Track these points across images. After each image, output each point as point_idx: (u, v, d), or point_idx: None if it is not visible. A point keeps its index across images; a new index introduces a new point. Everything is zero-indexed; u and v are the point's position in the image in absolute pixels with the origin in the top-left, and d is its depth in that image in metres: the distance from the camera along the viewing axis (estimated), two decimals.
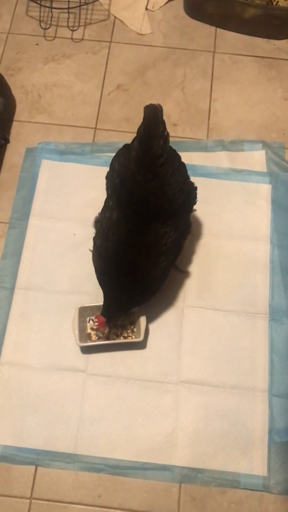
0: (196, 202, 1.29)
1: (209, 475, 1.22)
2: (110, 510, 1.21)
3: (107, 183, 1.22)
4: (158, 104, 1.11)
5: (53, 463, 1.24)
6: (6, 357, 1.33)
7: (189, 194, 1.25)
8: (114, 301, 1.22)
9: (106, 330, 1.31)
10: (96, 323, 1.28)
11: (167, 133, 1.13)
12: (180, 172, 1.18)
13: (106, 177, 1.22)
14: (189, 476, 1.22)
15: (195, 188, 1.28)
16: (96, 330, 1.33)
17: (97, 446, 1.25)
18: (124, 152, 1.19)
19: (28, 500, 1.22)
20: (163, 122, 1.11)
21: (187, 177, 1.23)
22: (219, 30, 1.77)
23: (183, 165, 1.20)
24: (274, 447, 1.24)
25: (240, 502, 1.21)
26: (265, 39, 1.75)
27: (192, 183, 1.27)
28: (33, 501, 1.22)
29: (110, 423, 1.27)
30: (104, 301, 1.23)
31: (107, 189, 1.22)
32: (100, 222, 1.19)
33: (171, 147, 1.16)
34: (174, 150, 1.18)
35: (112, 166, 1.20)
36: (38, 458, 1.24)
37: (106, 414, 1.28)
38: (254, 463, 1.23)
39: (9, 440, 1.26)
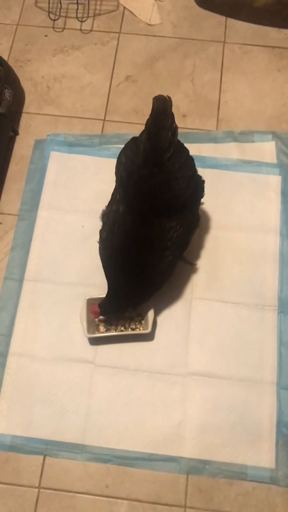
0: (203, 195, 1.28)
1: (217, 467, 1.22)
2: (117, 501, 1.21)
3: (115, 176, 1.22)
4: (167, 95, 1.10)
5: (61, 453, 1.25)
6: (15, 348, 1.34)
7: (197, 188, 1.24)
8: (116, 296, 1.22)
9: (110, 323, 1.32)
10: (90, 309, 1.28)
11: (176, 126, 1.12)
12: (188, 167, 1.17)
13: (115, 170, 1.22)
14: (196, 467, 1.23)
15: (203, 182, 1.27)
16: (104, 321, 1.33)
17: (105, 437, 1.26)
18: (131, 145, 1.18)
19: (37, 489, 1.23)
20: (172, 115, 1.10)
21: (195, 171, 1.22)
22: (229, 20, 1.75)
23: (190, 159, 1.19)
24: (282, 440, 1.24)
25: (247, 494, 1.21)
26: (276, 28, 1.72)
27: (200, 177, 1.26)
28: (41, 490, 1.23)
29: (117, 414, 1.27)
30: (106, 294, 1.23)
31: (116, 182, 1.22)
32: (106, 215, 1.19)
33: (179, 141, 1.15)
34: (182, 144, 1.17)
35: (119, 159, 1.20)
36: (47, 448, 1.25)
37: (114, 405, 1.28)
38: (262, 455, 1.23)
39: (18, 430, 1.27)
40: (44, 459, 1.25)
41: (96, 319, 1.32)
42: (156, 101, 1.08)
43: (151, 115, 1.09)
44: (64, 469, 1.24)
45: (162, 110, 1.08)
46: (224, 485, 1.22)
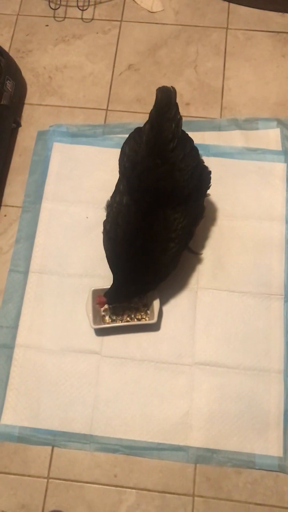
0: (209, 186, 1.27)
1: (224, 456, 1.22)
2: (126, 490, 1.22)
3: (119, 167, 1.21)
4: (171, 86, 1.09)
5: (69, 444, 1.25)
6: (21, 340, 1.35)
7: (202, 179, 1.23)
8: (122, 286, 1.22)
9: (116, 313, 1.32)
10: (96, 300, 1.28)
11: (180, 116, 1.10)
12: (192, 157, 1.15)
13: (119, 161, 1.21)
14: (204, 456, 1.23)
15: (209, 173, 1.25)
16: (110, 311, 1.33)
17: (113, 427, 1.26)
18: (135, 136, 1.17)
19: (45, 480, 1.24)
20: (176, 105, 1.09)
21: (199, 162, 1.21)
22: (232, 5, 1.72)
23: (195, 149, 1.18)
24: None
25: (256, 483, 1.21)
26: (280, 13, 1.70)
27: (206, 167, 1.25)
28: (50, 480, 1.23)
29: (125, 405, 1.27)
30: (112, 284, 1.23)
31: (119, 172, 1.21)
32: (110, 206, 1.18)
33: (183, 131, 1.14)
34: (186, 134, 1.16)
35: (123, 150, 1.19)
36: (55, 439, 1.26)
37: (121, 395, 1.28)
38: (270, 443, 1.23)
39: (26, 422, 1.28)
40: (52, 450, 1.26)
41: (102, 309, 1.32)
42: (160, 92, 1.07)
43: (154, 106, 1.08)
44: (72, 459, 1.25)
45: (166, 101, 1.07)
46: (232, 474, 1.22)
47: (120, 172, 1.20)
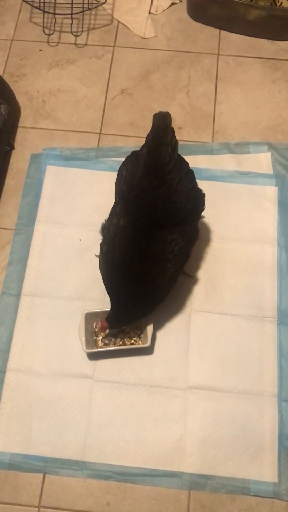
0: (204, 209, 1.28)
1: (219, 482, 1.21)
2: None
3: (115, 189, 1.22)
4: (167, 111, 1.11)
5: (61, 471, 1.23)
6: (13, 364, 1.33)
7: (197, 201, 1.24)
8: (120, 309, 1.21)
9: (108, 337, 1.31)
10: (98, 326, 1.27)
11: (176, 140, 1.12)
12: (188, 179, 1.17)
13: (115, 183, 1.22)
14: (198, 483, 1.21)
15: (203, 195, 1.27)
16: (103, 336, 1.32)
17: (105, 453, 1.24)
18: (132, 159, 1.18)
19: (36, 509, 1.21)
20: (172, 130, 1.10)
21: (195, 184, 1.22)
22: (223, 32, 1.76)
23: (191, 172, 1.19)
24: (284, 453, 1.23)
25: (251, 509, 1.19)
26: (270, 40, 1.74)
27: (200, 190, 1.26)
28: (41, 509, 1.21)
29: (118, 430, 1.26)
30: (111, 308, 1.23)
31: (115, 195, 1.22)
32: (107, 228, 1.19)
33: (179, 155, 1.15)
34: (182, 158, 1.18)
35: (120, 172, 1.20)
36: (46, 466, 1.23)
37: (113, 420, 1.27)
38: (264, 469, 1.22)
39: (17, 448, 1.25)
40: (44, 477, 1.23)
41: (99, 334, 1.32)
42: (156, 118, 1.09)
43: (151, 132, 1.09)
44: (64, 486, 1.22)
45: (162, 127, 1.08)
46: (227, 501, 1.20)
47: (117, 194, 1.21)
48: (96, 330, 1.32)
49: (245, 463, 1.22)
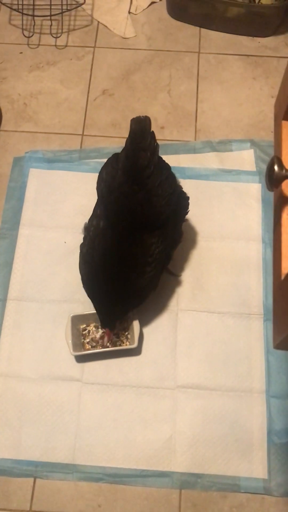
0: (187, 212, 1.29)
1: (209, 480, 1.21)
2: None
3: (96, 192, 1.22)
4: (145, 116, 1.11)
5: (52, 475, 1.23)
6: (1, 369, 1.32)
7: (179, 204, 1.24)
8: (105, 310, 1.21)
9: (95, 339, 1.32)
10: (105, 339, 1.28)
11: (157, 144, 1.12)
12: (169, 184, 1.16)
13: (96, 186, 1.22)
14: (189, 481, 1.21)
15: (187, 199, 1.27)
16: (90, 339, 1.32)
17: (96, 455, 1.24)
18: (112, 161, 1.18)
19: None
20: (152, 134, 1.10)
21: (176, 188, 1.22)
22: (203, 30, 1.76)
23: (172, 176, 1.19)
24: (273, 449, 1.23)
25: (241, 506, 1.19)
26: (250, 37, 1.74)
27: (184, 193, 1.26)
28: None
29: (107, 432, 1.26)
30: (97, 312, 1.23)
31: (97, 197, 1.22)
32: (87, 230, 1.19)
33: (160, 158, 1.15)
34: (163, 161, 1.18)
35: (100, 175, 1.20)
36: (37, 470, 1.23)
37: (103, 422, 1.27)
38: (254, 465, 1.22)
39: (6, 453, 1.25)
40: (34, 481, 1.23)
41: (86, 337, 1.32)
42: (134, 123, 1.09)
43: (129, 136, 1.09)
44: (55, 490, 1.22)
45: (139, 132, 1.08)
46: (217, 498, 1.20)
47: (97, 196, 1.21)
48: (83, 332, 1.31)
49: (235, 460, 1.23)
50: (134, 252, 1.13)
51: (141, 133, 1.07)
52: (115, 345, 1.31)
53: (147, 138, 1.08)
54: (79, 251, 1.22)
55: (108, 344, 1.31)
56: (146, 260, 1.14)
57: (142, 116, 1.10)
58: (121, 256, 1.13)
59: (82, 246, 1.20)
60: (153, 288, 1.24)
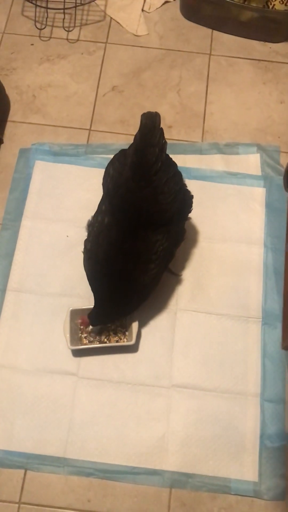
0: (191, 210, 1.29)
1: (200, 480, 1.21)
2: None
3: (102, 187, 1.21)
4: (156, 111, 1.11)
5: (43, 467, 1.23)
6: None
7: (184, 202, 1.24)
8: (103, 307, 1.21)
9: (93, 334, 1.31)
10: (79, 321, 1.27)
11: (165, 141, 1.12)
12: (175, 181, 1.16)
13: (102, 181, 1.21)
14: (180, 481, 1.21)
15: (191, 197, 1.27)
16: (88, 333, 1.32)
17: (88, 450, 1.24)
18: (119, 157, 1.18)
19: (17, 505, 1.20)
20: (161, 130, 1.10)
21: (182, 186, 1.22)
22: (215, 33, 1.76)
23: (178, 174, 1.19)
24: (265, 452, 1.23)
25: (231, 508, 1.20)
26: (261, 42, 1.74)
27: (188, 192, 1.26)
28: (21, 505, 1.20)
29: (100, 427, 1.26)
30: (94, 305, 1.22)
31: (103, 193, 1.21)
32: (92, 225, 1.18)
33: (167, 155, 1.15)
34: (170, 159, 1.18)
35: (107, 170, 1.20)
36: (28, 462, 1.23)
37: (97, 418, 1.27)
38: (245, 468, 1.22)
39: None
40: (25, 473, 1.23)
41: (84, 332, 1.31)
42: (144, 118, 1.09)
43: (139, 131, 1.09)
44: (46, 483, 1.22)
45: (150, 127, 1.08)
46: (207, 499, 1.21)
47: (103, 192, 1.21)
48: (81, 327, 1.31)
49: (226, 462, 1.23)
50: (138, 249, 1.13)
51: (151, 127, 1.07)
52: (113, 342, 1.31)
53: (156, 134, 1.08)
54: (81, 245, 1.21)
55: (105, 340, 1.31)
56: (150, 257, 1.14)
57: (153, 112, 1.10)
58: (125, 253, 1.12)
59: (86, 242, 1.20)
60: (154, 286, 1.24)
